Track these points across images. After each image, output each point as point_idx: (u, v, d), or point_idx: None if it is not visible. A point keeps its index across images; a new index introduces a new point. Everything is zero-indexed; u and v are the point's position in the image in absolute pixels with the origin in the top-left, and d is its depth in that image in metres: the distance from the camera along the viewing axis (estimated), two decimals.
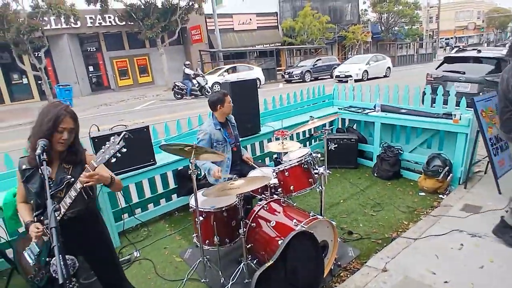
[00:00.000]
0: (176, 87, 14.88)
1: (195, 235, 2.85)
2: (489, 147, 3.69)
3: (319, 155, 2.89)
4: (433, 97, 4.68)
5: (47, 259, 1.85)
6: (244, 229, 2.50)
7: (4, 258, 2.46)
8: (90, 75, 20.92)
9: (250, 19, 25.31)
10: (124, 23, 19.50)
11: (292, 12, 26.44)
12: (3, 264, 2.81)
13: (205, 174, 4.11)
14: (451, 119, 4.13)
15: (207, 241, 2.72)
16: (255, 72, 17.89)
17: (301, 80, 19.41)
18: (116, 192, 3.42)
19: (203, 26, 22.21)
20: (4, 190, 2.94)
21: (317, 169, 2.81)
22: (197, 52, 22.19)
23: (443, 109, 4.49)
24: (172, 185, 4.05)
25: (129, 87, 21.65)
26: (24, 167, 1.83)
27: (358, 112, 5.11)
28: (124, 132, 1.73)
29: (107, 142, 1.70)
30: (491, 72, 6.87)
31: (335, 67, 21.93)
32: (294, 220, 2.45)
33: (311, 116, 2.63)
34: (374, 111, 4.98)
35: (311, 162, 2.74)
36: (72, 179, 1.82)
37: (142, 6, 18.39)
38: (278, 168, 2.71)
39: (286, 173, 2.64)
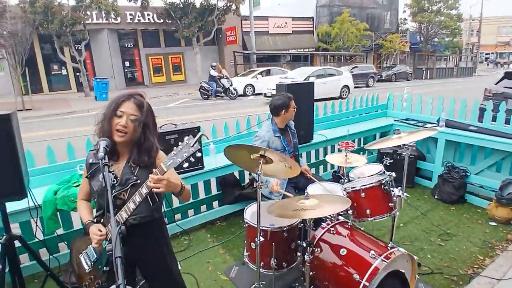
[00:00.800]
0: (202, 88, 14.83)
1: (247, 253, 2.53)
2: None
3: (393, 174, 2.50)
4: (493, 115, 4.18)
5: (105, 268, 1.59)
6: (310, 256, 2.14)
7: (37, 261, 2.23)
8: (126, 70, 21.28)
9: (286, 23, 25.02)
10: (162, 21, 19.73)
11: (329, 18, 25.89)
12: (36, 266, 2.57)
13: (250, 181, 3.83)
14: None
15: (262, 263, 2.39)
16: (289, 76, 17.52)
17: None
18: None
19: (238, 28, 22.14)
20: (44, 185, 2.75)
21: (393, 191, 2.41)
22: (230, 53, 22.13)
23: None
24: (214, 191, 3.76)
25: (162, 84, 21.86)
26: (91, 161, 1.66)
27: (419, 126, 4.64)
28: (200, 133, 1.44)
29: (180, 143, 1.40)
30: None
31: (372, 76, 21.26)
32: (372, 252, 2.06)
33: (397, 129, 2.22)
34: (438, 125, 4.50)
35: (390, 182, 2.35)
36: (138, 181, 1.60)
37: (181, 5, 18.51)
38: (353, 187, 2.33)
39: (363, 194, 2.26)
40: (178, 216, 3.51)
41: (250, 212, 2.56)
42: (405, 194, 2.48)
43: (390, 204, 2.29)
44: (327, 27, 24.54)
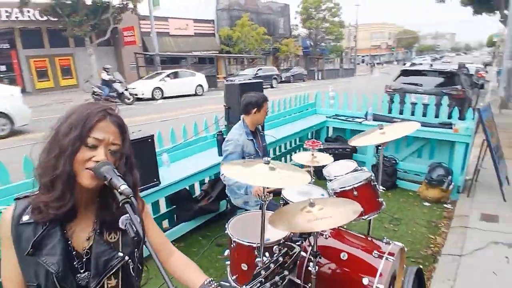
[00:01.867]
0: (94, 93, 13.11)
1: (234, 277, 2.21)
2: (494, 156, 3.76)
3: (365, 168, 2.52)
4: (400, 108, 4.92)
5: None
6: (315, 267, 1.97)
7: None
8: (1, 75, 17.62)
9: (187, 25, 24.47)
10: (45, 18, 16.97)
11: (229, 21, 26.27)
12: None
13: (204, 192, 3.46)
14: (450, 128, 4.18)
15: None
16: (197, 78, 17.11)
17: None
18: None
19: (137, 28, 20.66)
20: None
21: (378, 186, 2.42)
22: (128, 54, 20.46)
23: (436, 119, 4.54)
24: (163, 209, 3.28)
25: (49, 90, 18.80)
26: (25, 220, 0.92)
27: (349, 121, 4.94)
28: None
29: None
30: (443, 84, 7.43)
31: (275, 77, 22.38)
32: (374, 252, 2.00)
33: (380, 124, 2.21)
34: (366, 119, 4.86)
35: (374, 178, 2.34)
36: (127, 258, 1.00)
37: (70, 1, 16.23)
38: (341, 187, 2.24)
39: (355, 193, 2.18)
40: None
41: (234, 228, 2.25)
42: (381, 187, 2.51)
43: (379, 200, 2.29)
44: (229, 30, 24.90)
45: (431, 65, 8.41)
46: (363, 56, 55.81)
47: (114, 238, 1.01)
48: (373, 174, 2.31)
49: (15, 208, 0.94)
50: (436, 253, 2.99)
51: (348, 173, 2.52)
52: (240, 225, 2.25)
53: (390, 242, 2.13)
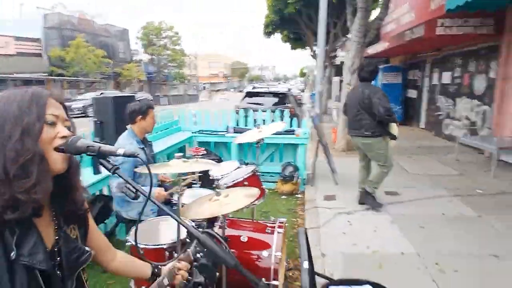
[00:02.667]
0: None
1: None
2: (327, 151, 4.93)
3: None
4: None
5: None
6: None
7: None
8: None
9: (6, 42, 20.36)
10: None
11: (60, 41, 23.34)
12: None
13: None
14: (293, 134, 5.21)
15: None
16: None
17: (84, 114, 17.40)
18: None
19: None
20: None
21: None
22: None
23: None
24: None
25: None
26: None
27: (214, 135, 5.41)
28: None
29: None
30: (279, 103, 9.01)
31: None
32: (267, 228, 2.42)
33: (258, 124, 2.67)
34: (228, 132, 5.44)
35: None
36: (93, 252, 1.00)
37: None
38: (232, 180, 2.58)
39: (246, 183, 2.56)
40: None
41: (137, 235, 2.23)
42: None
43: (263, 187, 2.74)
44: (60, 51, 22.10)
45: (268, 88, 10.11)
46: (204, 83, 59.33)
47: (74, 232, 0.98)
48: (257, 166, 2.76)
49: None
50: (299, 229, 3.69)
51: (233, 170, 2.90)
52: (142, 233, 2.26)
53: (275, 220, 2.60)
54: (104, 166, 0.88)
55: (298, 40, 16.62)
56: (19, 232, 0.80)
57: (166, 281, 1.07)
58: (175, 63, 36.08)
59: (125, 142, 2.54)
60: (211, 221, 2.42)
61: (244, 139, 2.75)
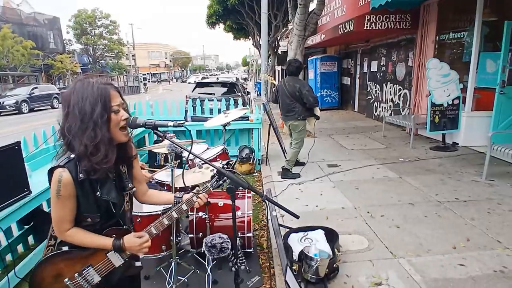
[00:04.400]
0: None
1: None
2: (278, 133, 5.60)
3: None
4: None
5: None
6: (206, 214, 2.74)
7: None
8: None
9: None
10: None
11: None
12: None
13: None
14: (247, 120, 5.79)
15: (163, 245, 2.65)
16: None
17: (17, 111, 16.12)
18: None
19: None
20: None
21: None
22: None
23: None
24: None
25: None
26: (82, 177, 1.25)
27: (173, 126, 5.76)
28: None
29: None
30: (228, 92, 9.52)
31: (56, 97, 19.86)
32: (239, 194, 2.99)
33: (224, 110, 3.16)
34: (186, 121, 5.84)
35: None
36: (134, 189, 1.51)
37: None
38: (208, 158, 3.08)
39: (219, 159, 3.08)
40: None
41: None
42: None
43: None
44: None
45: (217, 78, 10.56)
46: (144, 74, 57.07)
47: (123, 169, 1.44)
48: (225, 145, 3.29)
49: (70, 172, 1.24)
50: (261, 201, 4.31)
51: (204, 151, 3.40)
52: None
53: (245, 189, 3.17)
54: (157, 135, 1.39)
55: (240, 30, 17.10)
56: (101, 180, 1.32)
57: (184, 207, 1.56)
58: (112, 54, 34.31)
59: None
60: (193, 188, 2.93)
61: (214, 123, 3.26)
